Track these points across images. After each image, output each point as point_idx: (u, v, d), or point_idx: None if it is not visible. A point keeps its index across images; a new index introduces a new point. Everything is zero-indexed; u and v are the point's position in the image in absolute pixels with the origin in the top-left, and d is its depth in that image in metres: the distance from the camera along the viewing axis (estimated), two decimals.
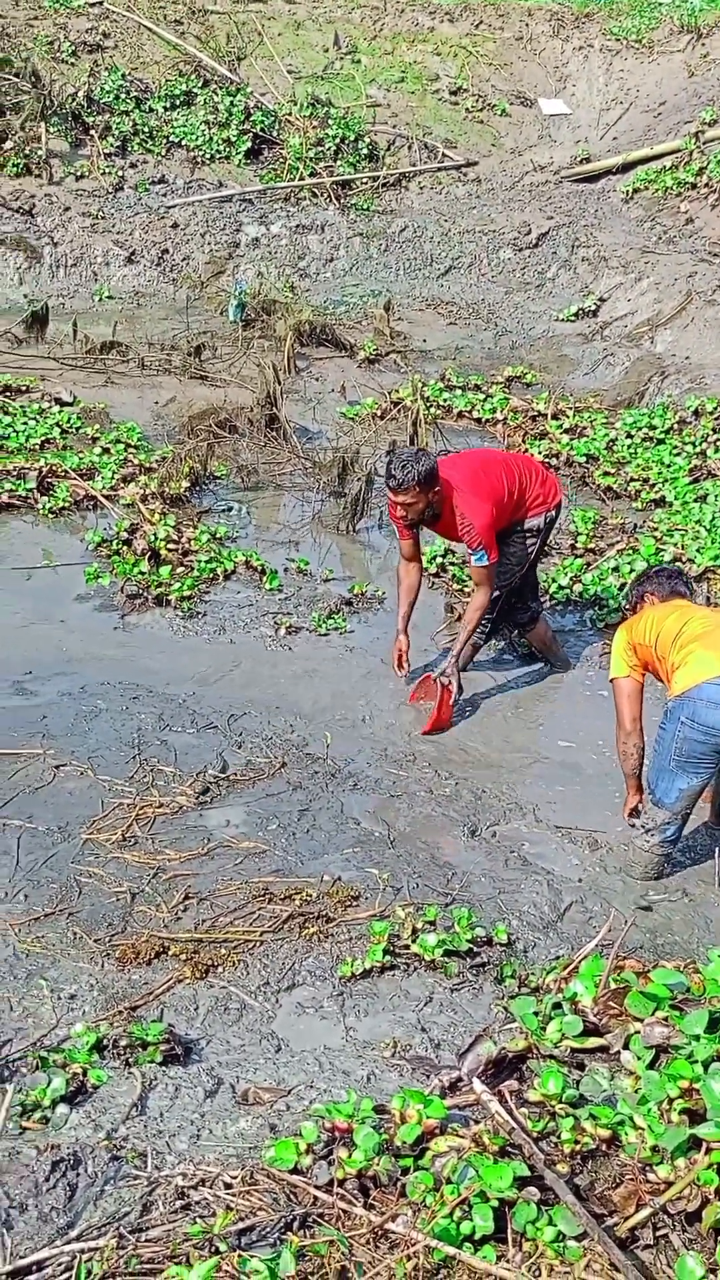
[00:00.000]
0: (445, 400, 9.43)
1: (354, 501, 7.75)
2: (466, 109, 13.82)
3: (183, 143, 12.46)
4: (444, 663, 5.89)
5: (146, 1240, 2.25)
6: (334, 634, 6.60)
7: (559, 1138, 2.49)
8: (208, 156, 12.48)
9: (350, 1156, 2.37)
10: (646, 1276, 2.11)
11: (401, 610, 6.10)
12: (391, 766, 5.47)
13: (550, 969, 3.88)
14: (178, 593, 6.68)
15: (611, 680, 5.10)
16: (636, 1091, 2.59)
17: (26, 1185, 2.47)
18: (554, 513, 6.07)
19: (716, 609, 5.14)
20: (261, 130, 12.67)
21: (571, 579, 7.14)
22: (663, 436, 8.68)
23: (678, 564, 5.32)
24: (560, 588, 7.07)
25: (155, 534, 7.02)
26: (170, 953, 3.93)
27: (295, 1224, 2.22)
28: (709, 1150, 2.31)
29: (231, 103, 12.64)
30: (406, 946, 4.00)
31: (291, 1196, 2.33)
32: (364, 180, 12.63)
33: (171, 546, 7.06)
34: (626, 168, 13.20)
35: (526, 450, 8.70)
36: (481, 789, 5.39)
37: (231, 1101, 3.13)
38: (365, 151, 12.82)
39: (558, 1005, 3.08)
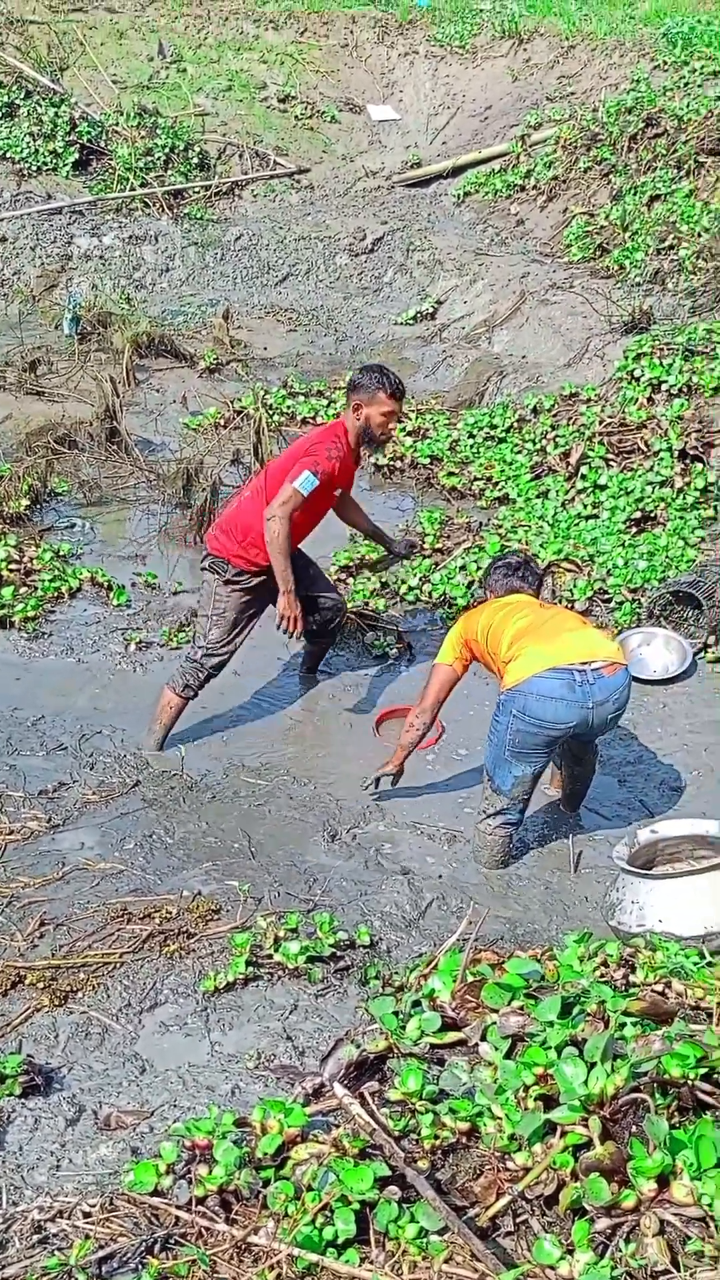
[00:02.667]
0: (288, 407, 9.43)
1: (200, 512, 7.69)
2: (296, 116, 13.86)
3: (7, 155, 12.22)
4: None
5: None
6: (186, 647, 6.54)
7: (420, 1134, 2.50)
8: (34, 168, 12.26)
9: (210, 1173, 2.34)
10: (508, 1263, 2.13)
11: (291, 571, 5.57)
12: (249, 776, 5.45)
13: (413, 967, 3.91)
14: (21, 614, 6.54)
15: (435, 664, 5.21)
16: (495, 1082, 2.62)
17: None
18: None
19: (547, 605, 5.26)
20: (89, 141, 12.50)
21: (421, 579, 7.20)
22: (504, 435, 8.82)
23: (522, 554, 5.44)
24: (410, 588, 7.13)
25: None
26: (27, 982, 3.84)
27: (156, 1247, 2.19)
28: (563, 1134, 2.35)
29: (56, 114, 12.45)
30: (269, 956, 3.98)
31: (153, 1219, 2.30)
32: (196, 189, 12.56)
33: (13, 567, 6.91)
34: (457, 171, 13.38)
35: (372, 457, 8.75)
36: (340, 792, 5.40)
37: (93, 1128, 3.07)
38: (196, 160, 12.75)
39: (417, 1003, 3.11)
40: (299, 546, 5.79)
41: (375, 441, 5.72)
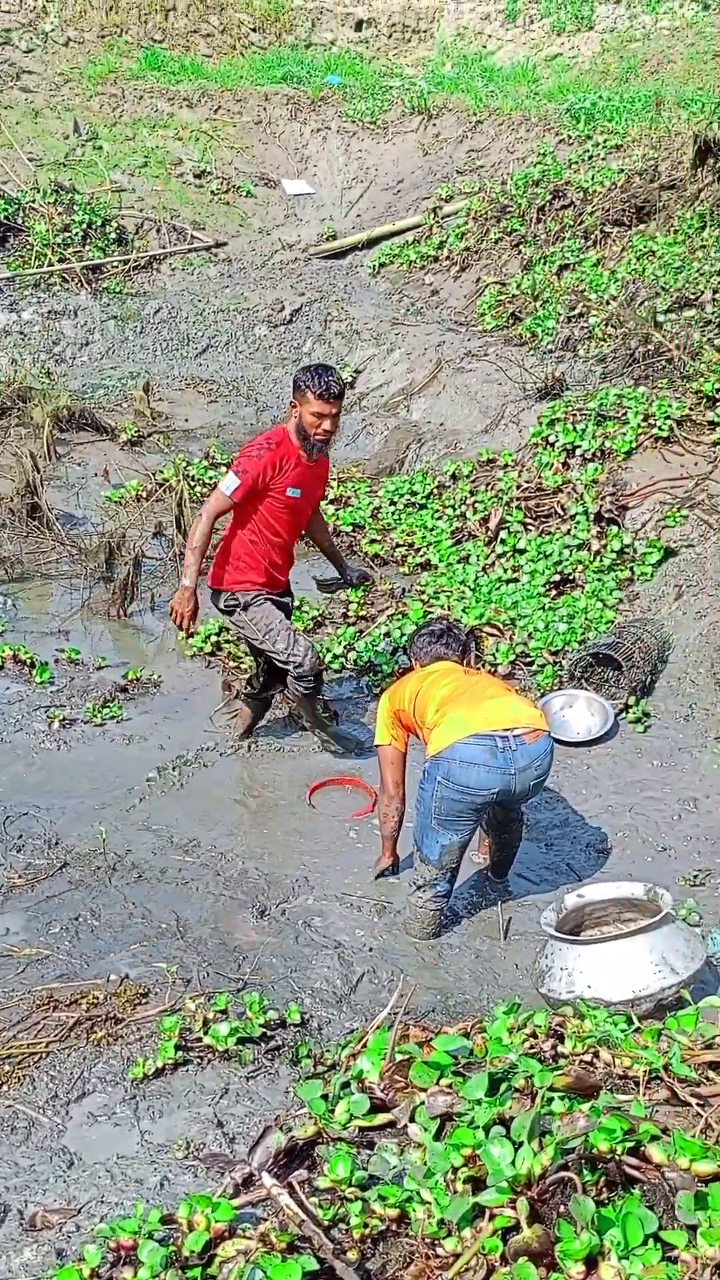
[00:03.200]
0: (211, 478, 9.46)
1: (123, 585, 7.68)
2: (212, 191, 14.05)
3: None
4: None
5: None
6: (110, 723, 6.50)
7: (349, 1223, 2.48)
8: None
9: (135, 1276, 2.30)
10: None
11: (195, 567, 5.81)
12: (177, 854, 5.41)
13: (344, 1044, 3.89)
14: None
15: (376, 746, 5.31)
16: (424, 1164, 2.60)
17: None
18: None
19: (472, 670, 5.32)
20: (6, 218, 12.55)
21: (345, 647, 7.24)
22: (424, 501, 8.93)
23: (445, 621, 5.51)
24: (335, 656, 7.16)
25: None
26: None
27: None
28: (492, 1217, 2.34)
29: None
30: (199, 1039, 3.93)
31: None
32: (114, 264, 12.65)
33: None
34: (371, 243, 13.64)
35: None
36: (269, 867, 5.37)
37: (19, 1229, 3.00)
38: (114, 235, 12.86)
39: (346, 1084, 3.09)
40: (284, 565, 6.05)
41: (308, 441, 5.68)
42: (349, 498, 9.13)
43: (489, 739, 4.71)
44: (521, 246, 11.94)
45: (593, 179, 11.99)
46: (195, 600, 5.84)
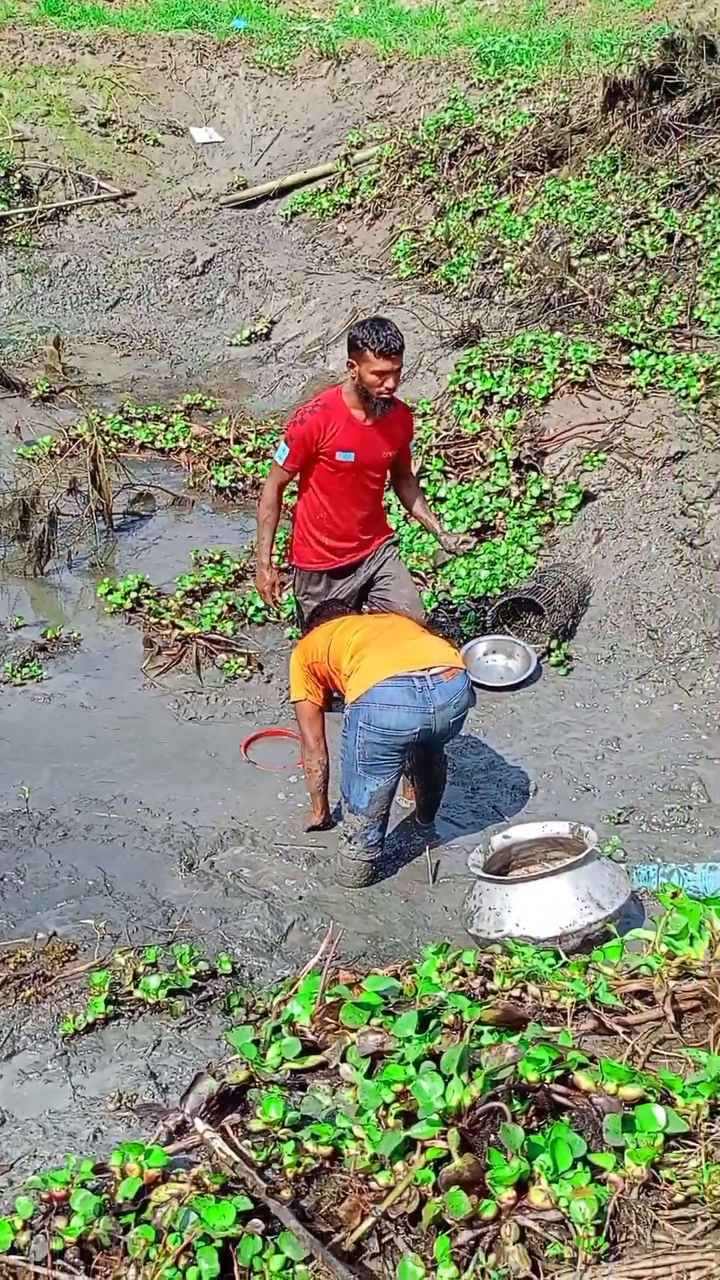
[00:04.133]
0: (125, 433, 9.33)
1: (39, 543, 7.55)
2: (118, 140, 13.76)
3: None
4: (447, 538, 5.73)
5: None
6: (31, 683, 6.41)
7: (282, 1163, 2.48)
8: None
9: (68, 1225, 2.29)
10: None
11: (266, 541, 5.66)
12: (102, 811, 5.36)
13: (275, 991, 3.90)
14: None
15: (293, 703, 5.32)
16: (356, 1103, 2.61)
17: None
18: None
19: (383, 615, 5.35)
20: None
21: None
22: None
23: None
24: (257, 610, 7.11)
25: None
26: None
27: None
28: (424, 1149, 2.36)
29: None
30: (130, 993, 3.91)
31: (12, 1278, 2.23)
32: (19, 216, 12.37)
33: None
34: (283, 192, 13.46)
35: (214, 478, 8.73)
36: (197, 821, 5.35)
37: None
38: (18, 187, 12.56)
39: (277, 1029, 3.09)
40: (348, 534, 5.64)
41: (370, 401, 5.30)
42: (268, 450, 9.05)
43: (407, 680, 4.73)
44: (435, 193, 11.85)
45: (504, 123, 11.92)
46: (273, 572, 5.67)
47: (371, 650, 4.87)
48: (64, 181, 13.03)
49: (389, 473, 5.72)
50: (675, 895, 3.27)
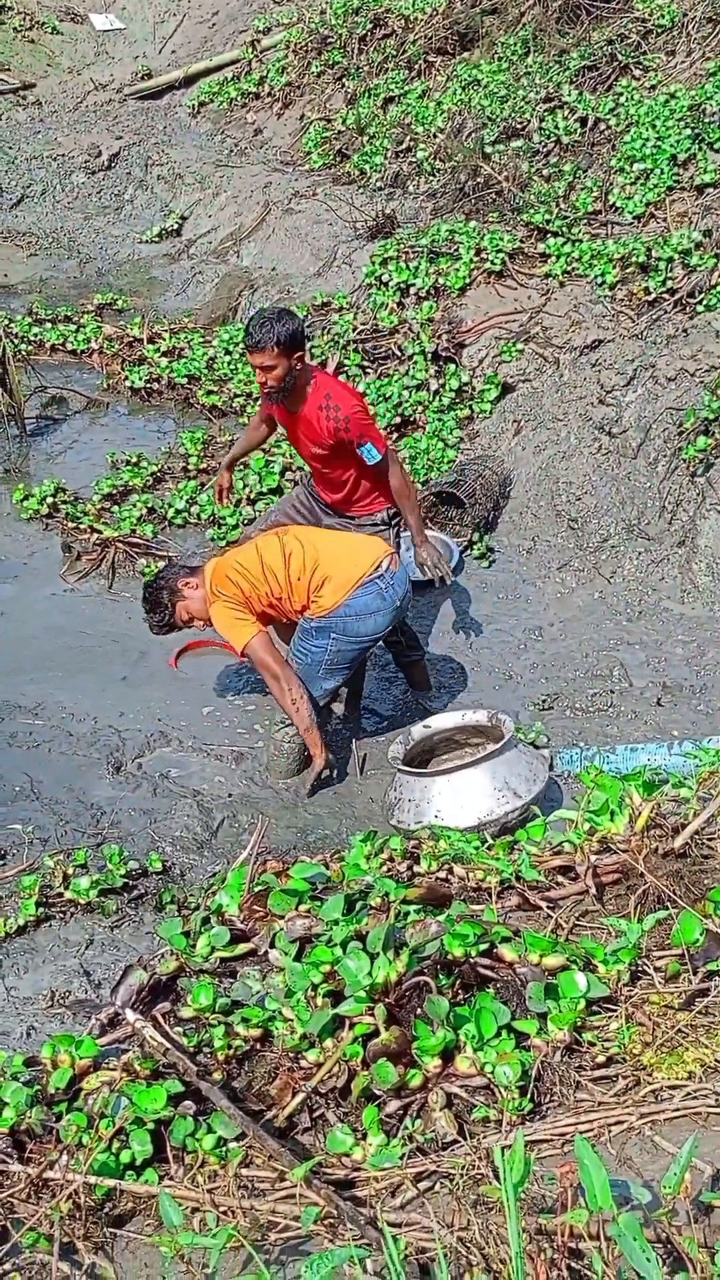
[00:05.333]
0: (36, 335, 9.07)
1: None
2: (14, 28, 13.20)
3: None
4: (422, 552, 5.29)
5: None
6: None
7: (214, 1047, 2.51)
8: None
9: (0, 1116, 2.30)
10: (305, 1158, 2.17)
11: (233, 451, 5.89)
12: (25, 717, 5.31)
13: (206, 886, 3.92)
14: None
15: (242, 651, 4.85)
16: (284, 985, 2.65)
17: None
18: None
19: (284, 528, 5.14)
20: None
21: (188, 501, 7.09)
22: None
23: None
24: (177, 511, 7.02)
25: None
26: None
27: None
28: (352, 1025, 2.40)
29: None
30: (60, 895, 3.92)
31: None
32: None
33: None
34: (189, 81, 13.03)
35: (128, 379, 8.54)
36: (123, 724, 5.32)
37: None
38: None
39: (206, 920, 3.11)
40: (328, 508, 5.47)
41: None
42: (182, 349, 8.86)
43: (373, 584, 4.80)
44: (345, 80, 11.54)
45: (413, 5, 11.57)
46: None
47: (325, 564, 4.81)
48: None
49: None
50: (597, 775, 3.32)
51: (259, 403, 5.59)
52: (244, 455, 6.09)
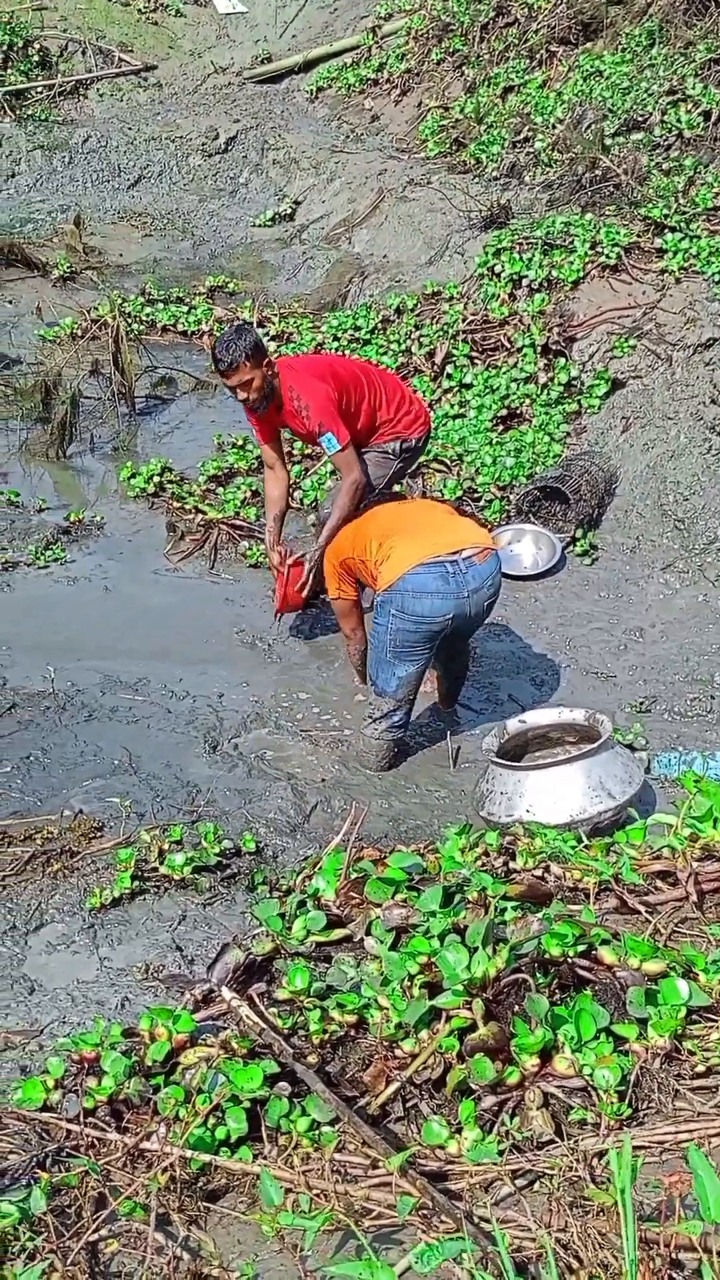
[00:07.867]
0: (148, 315, 9.18)
1: (61, 426, 7.48)
2: (139, 10, 13.32)
3: None
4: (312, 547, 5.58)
5: None
6: (54, 565, 6.40)
7: (308, 1030, 2.53)
8: None
9: (99, 1084, 2.34)
10: (399, 1148, 2.18)
11: (269, 525, 5.82)
12: (126, 693, 5.38)
13: (298, 870, 3.94)
14: None
15: (331, 600, 5.40)
16: (380, 974, 2.65)
17: None
18: (414, 441, 5.60)
19: (409, 500, 5.31)
20: None
21: (290, 486, 7.11)
22: (368, 337, 8.70)
23: None
24: None
25: None
26: None
27: (47, 1160, 2.18)
28: (448, 1018, 2.40)
29: None
30: (155, 869, 3.97)
31: (43, 1134, 2.29)
32: (39, 89, 12.04)
33: None
34: (308, 66, 13.04)
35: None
36: (221, 704, 5.37)
37: None
38: (37, 59, 12.21)
39: (302, 903, 3.13)
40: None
41: None
42: (291, 334, 8.90)
43: (439, 565, 4.68)
44: (464, 68, 11.46)
45: None
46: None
47: (400, 537, 4.80)
48: (84, 53, 12.66)
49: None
50: (698, 781, 3.28)
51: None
52: (281, 508, 5.87)
